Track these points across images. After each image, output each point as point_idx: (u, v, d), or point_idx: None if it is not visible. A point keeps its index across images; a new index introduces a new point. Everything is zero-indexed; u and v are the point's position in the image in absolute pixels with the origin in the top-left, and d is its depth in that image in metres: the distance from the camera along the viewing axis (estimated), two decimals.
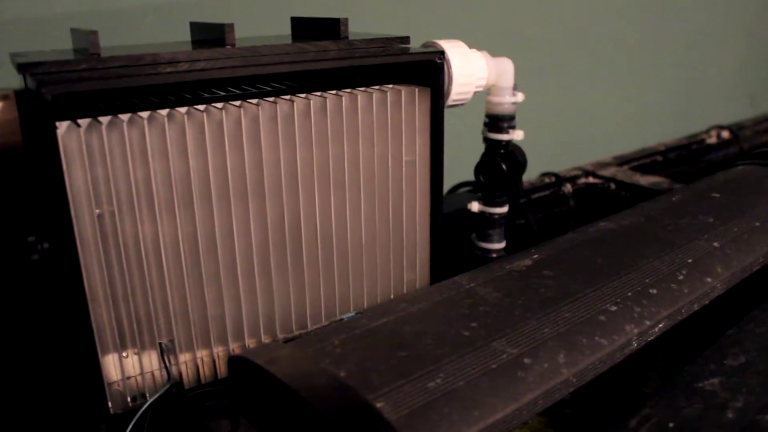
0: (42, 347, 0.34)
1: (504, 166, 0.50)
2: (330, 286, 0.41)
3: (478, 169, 0.51)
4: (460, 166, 0.56)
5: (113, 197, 0.33)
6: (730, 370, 0.33)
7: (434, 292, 0.37)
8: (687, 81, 1.32)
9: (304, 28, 0.44)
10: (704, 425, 0.30)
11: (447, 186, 0.55)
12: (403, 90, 0.40)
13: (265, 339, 0.39)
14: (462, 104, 0.45)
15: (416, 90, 0.41)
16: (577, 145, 1.05)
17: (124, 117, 0.32)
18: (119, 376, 0.35)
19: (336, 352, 0.31)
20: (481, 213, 0.52)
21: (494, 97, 0.49)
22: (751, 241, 0.46)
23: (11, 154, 0.32)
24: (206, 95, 0.36)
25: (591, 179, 0.72)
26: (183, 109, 0.34)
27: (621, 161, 0.77)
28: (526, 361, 0.31)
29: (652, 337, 0.37)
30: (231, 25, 0.37)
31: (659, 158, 0.80)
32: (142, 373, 0.36)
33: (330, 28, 0.41)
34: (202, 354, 0.38)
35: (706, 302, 0.41)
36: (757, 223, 0.47)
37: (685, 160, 0.82)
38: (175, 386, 0.36)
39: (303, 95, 0.37)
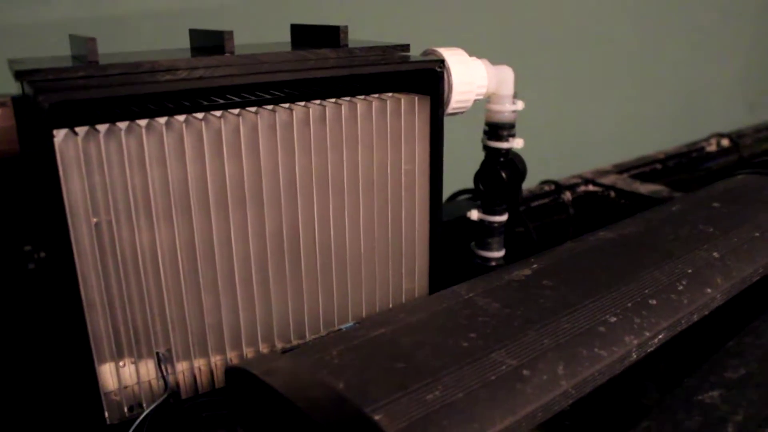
0: (38, 357, 0.34)
1: (504, 175, 0.50)
2: (328, 295, 0.41)
3: (478, 177, 0.51)
4: (460, 174, 0.56)
5: (111, 206, 0.32)
6: (730, 382, 0.33)
7: (433, 302, 0.37)
8: (687, 88, 1.32)
9: (303, 35, 0.44)
10: None
11: (446, 193, 0.55)
12: (403, 98, 0.40)
13: (263, 348, 0.39)
14: (462, 112, 0.45)
15: (416, 98, 0.41)
16: (576, 153, 1.05)
17: (122, 125, 0.32)
18: (116, 386, 0.35)
19: (334, 363, 0.31)
20: (481, 221, 0.51)
21: (494, 106, 0.49)
22: (752, 251, 0.45)
23: (8, 162, 0.32)
24: (205, 103, 0.36)
25: (591, 187, 0.72)
26: (181, 117, 0.34)
27: (621, 169, 0.77)
28: (525, 372, 0.31)
29: (651, 348, 0.37)
30: (230, 33, 0.37)
31: (659, 166, 0.80)
32: (139, 383, 0.35)
33: (330, 36, 0.41)
34: (199, 363, 0.37)
35: (706, 313, 0.41)
36: (757, 234, 0.47)
37: (684, 168, 0.82)
38: (172, 396, 0.36)
39: (302, 103, 0.37)
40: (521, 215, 0.63)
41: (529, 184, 0.70)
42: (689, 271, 0.42)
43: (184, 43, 0.42)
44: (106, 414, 0.34)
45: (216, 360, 0.38)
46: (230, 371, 0.32)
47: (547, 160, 0.80)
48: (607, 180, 0.72)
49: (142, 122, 0.33)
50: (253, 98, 0.37)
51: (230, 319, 0.38)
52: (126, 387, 0.35)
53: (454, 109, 0.44)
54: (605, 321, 0.36)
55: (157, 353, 0.36)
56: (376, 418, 0.27)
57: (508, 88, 0.48)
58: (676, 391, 0.33)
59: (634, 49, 1.19)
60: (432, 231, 0.44)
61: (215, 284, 0.36)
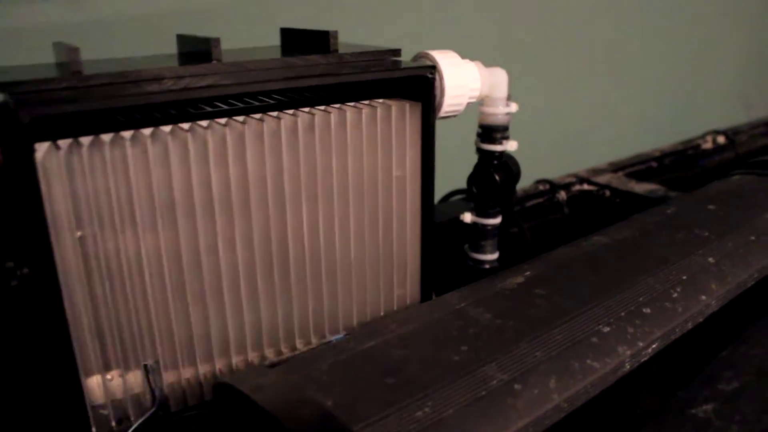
0: (25, 371, 0.33)
1: (497, 177, 0.49)
2: (318, 303, 0.40)
3: (471, 179, 0.51)
4: (453, 177, 0.55)
5: (95, 218, 0.32)
6: (724, 395, 0.33)
7: (424, 313, 0.37)
8: (683, 86, 1.32)
9: (293, 40, 0.43)
10: None
11: (439, 194, 0.54)
12: (394, 105, 0.40)
13: (253, 357, 0.39)
14: (455, 115, 0.45)
15: (407, 105, 0.40)
16: (571, 152, 1.05)
17: (107, 137, 0.31)
18: (103, 399, 0.34)
19: (323, 379, 0.30)
20: (474, 224, 0.51)
21: (487, 108, 0.48)
22: (747, 255, 0.45)
23: None
24: (192, 111, 0.35)
25: (586, 186, 0.71)
26: (167, 128, 0.33)
27: (616, 167, 0.76)
28: (516, 387, 0.31)
29: (645, 358, 0.36)
30: (217, 40, 0.36)
31: (654, 164, 0.79)
32: (126, 395, 0.35)
33: (319, 41, 0.40)
34: (188, 374, 0.37)
35: (701, 320, 0.40)
36: (753, 237, 0.47)
37: (680, 166, 0.82)
38: (161, 408, 0.35)
39: (291, 112, 0.37)
40: (516, 217, 0.63)
41: (524, 183, 0.70)
42: (684, 277, 0.41)
43: (171, 47, 0.41)
44: (94, 429, 0.34)
45: (205, 371, 0.37)
46: (218, 387, 0.31)
47: (541, 159, 0.80)
48: (602, 179, 0.72)
49: (127, 134, 0.32)
50: (241, 105, 0.36)
51: (219, 329, 0.37)
52: (113, 400, 0.35)
53: (446, 113, 0.44)
54: (598, 331, 0.35)
55: (145, 365, 0.35)
56: None
57: (502, 90, 0.48)
58: (670, 403, 0.33)
59: (629, 48, 1.18)
60: (423, 238, 0.43)
61: (203, 294, 0.36)
